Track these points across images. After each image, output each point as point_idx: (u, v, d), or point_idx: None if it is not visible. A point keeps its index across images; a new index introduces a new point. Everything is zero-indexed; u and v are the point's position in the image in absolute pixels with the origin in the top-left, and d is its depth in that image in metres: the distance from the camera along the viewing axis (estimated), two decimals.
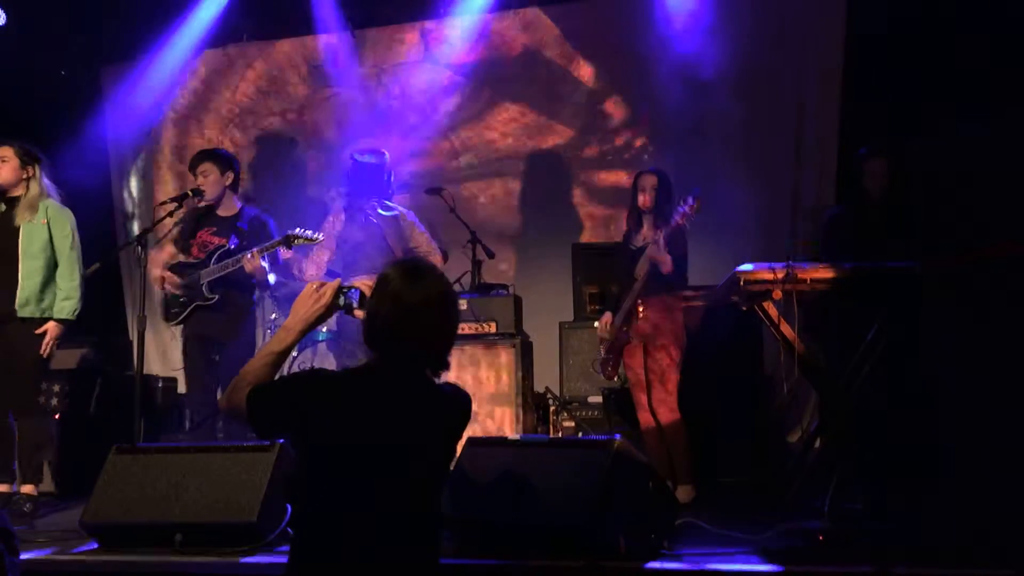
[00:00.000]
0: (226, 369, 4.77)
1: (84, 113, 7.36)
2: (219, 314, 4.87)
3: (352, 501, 2.27)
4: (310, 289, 2.53)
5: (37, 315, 4.63)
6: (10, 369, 4.61)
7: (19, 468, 4.63)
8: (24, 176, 4.73)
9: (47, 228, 4.68)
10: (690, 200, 4.28)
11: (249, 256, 4.70)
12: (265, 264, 4.76)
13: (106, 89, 7.68)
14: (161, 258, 5.09)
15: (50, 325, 4.63)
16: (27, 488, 4.62)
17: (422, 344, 2.38)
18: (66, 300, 4.67)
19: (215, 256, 4.87)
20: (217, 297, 4.85)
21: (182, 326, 5.00)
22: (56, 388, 5.70)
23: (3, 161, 4.69)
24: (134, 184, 7.70)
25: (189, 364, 4.96)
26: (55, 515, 4.73)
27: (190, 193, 4.85)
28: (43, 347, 4.61)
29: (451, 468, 3.73)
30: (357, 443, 2.28)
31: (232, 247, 4.87)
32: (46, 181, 4.81)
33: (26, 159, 4.74)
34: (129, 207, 7.73)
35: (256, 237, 4.90)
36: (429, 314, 2.37)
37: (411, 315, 2.35)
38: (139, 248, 4.48)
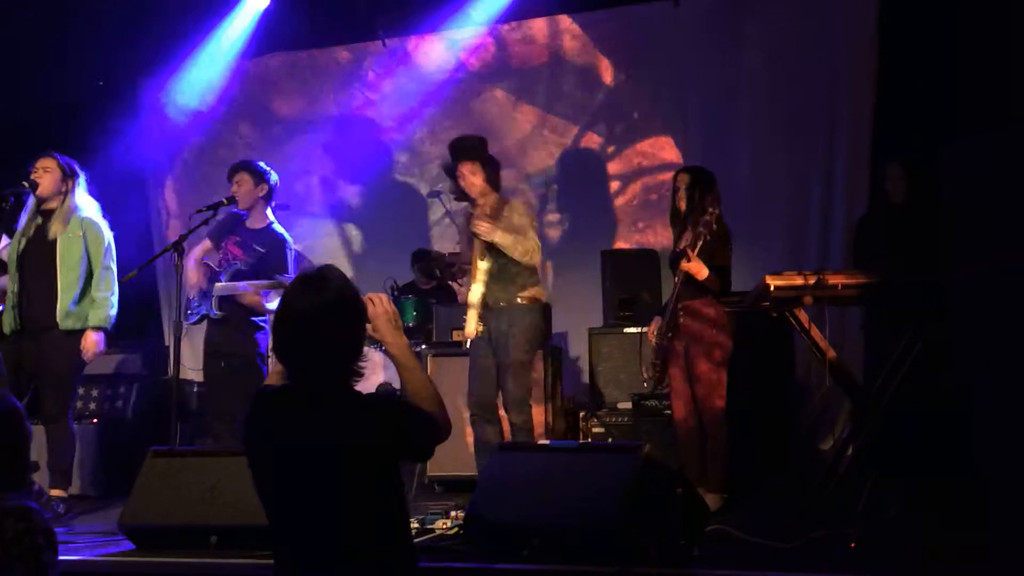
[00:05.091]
0: (234, 381, 4.84)
1: (121, 122, 7.47)
2: (226, 327, 4.96)
3: (288, 508, 2.35)
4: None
5: (78, 326, 4.72)
6: (40, 378, 4.70)
7: (49, 473, 4.73)
8: (63, 189, 4.80)
9: (83, 240, 4.76)
10: (709, 210, 4.26)
11: (251, 290, 4.79)
12: (262, 298, 4.80)
13: (143, 98, 7.80)
14: (197, 252, 5.11)
15: (86, 334, 4.70)
16: (56, 492, 4.68)
17: (312, 353, 2.35)
18: (98, 308, 4.74)
19: (229, 274, 4.94)
20: (224, 314, 4.92)
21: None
22: (95, 393, 5.81)
23: (45, 171, 4.76)
24: (170, 191, 7.80)
25: (205, 369, 5.07)
26: (94, 517, 4.82)
27: (225, 201, 4.93)
28: (84, 356, 4.70)
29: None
30: (279, 453, 2.34)
31: (245, 269, 4.92)
32: (83, 197, 4.89)
33: (67, 172, 4.82)
34: (165, 214, 7.83)
35: (268, 260, 4.93)
36: (315, 323, 2.33)
37: (298, 324, 2.35)
38: (175, 255, 4.57)
